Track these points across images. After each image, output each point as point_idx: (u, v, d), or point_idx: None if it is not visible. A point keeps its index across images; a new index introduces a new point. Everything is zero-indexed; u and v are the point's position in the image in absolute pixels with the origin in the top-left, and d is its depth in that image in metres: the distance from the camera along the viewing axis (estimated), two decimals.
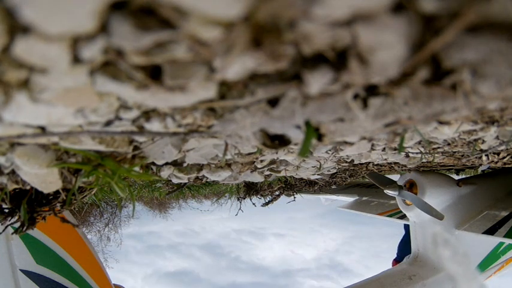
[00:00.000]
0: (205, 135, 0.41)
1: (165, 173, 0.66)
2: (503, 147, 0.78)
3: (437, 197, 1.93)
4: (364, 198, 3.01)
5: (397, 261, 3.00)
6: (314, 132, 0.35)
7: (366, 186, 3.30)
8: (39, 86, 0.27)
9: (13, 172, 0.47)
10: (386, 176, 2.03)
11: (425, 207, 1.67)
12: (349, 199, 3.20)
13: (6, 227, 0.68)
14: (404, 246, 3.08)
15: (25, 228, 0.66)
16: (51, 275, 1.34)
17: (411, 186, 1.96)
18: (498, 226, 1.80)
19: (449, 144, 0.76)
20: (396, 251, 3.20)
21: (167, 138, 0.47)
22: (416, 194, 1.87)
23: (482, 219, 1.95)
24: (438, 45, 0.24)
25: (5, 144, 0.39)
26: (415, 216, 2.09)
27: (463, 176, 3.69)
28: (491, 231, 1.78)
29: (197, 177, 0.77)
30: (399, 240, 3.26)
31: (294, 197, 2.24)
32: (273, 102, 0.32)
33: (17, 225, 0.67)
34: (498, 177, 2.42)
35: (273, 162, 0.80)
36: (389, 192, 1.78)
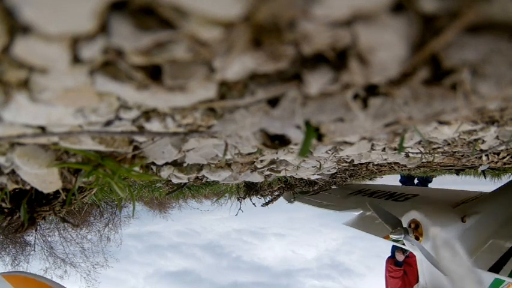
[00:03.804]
0: (205, 135, 0.41)
1: (165, 173, 0.66)
2: (503, 147, 0.78)
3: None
4: (367, 213, 2.97)
5: (390, 258, 3.04)
6: (314, 132, 0.35)
7: (367, 194, 3.25)
8: (39, 86, 0.27)
9: (13, 172, 0.47)
10: (387, 207, 2.01)
11: (431, 259, 1.66)
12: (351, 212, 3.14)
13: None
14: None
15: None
16: None
17: (416, 227, 1.95)
18: (504, 260, 1.78)
19: (449, 144, 0.76)
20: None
21: (167, 138, 0.47)
22: (421, 233, 1.86)
23: (487, 250, 1.93)
24: (438, 45, 0.24)
25: (5, 144, 0.39)
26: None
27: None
28: (496, 268, 1.76)
29: (197, 177, 0.77)
30: None
31: (294, 197, 2.25)
32: (273, 102, 0.32)
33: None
34: (499, 198, 2.39)
35: (273, 162, 0.80)
36: (394, 236, 1.78)
